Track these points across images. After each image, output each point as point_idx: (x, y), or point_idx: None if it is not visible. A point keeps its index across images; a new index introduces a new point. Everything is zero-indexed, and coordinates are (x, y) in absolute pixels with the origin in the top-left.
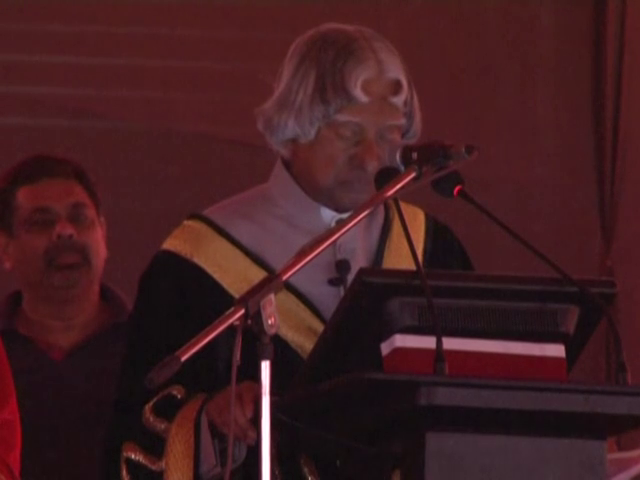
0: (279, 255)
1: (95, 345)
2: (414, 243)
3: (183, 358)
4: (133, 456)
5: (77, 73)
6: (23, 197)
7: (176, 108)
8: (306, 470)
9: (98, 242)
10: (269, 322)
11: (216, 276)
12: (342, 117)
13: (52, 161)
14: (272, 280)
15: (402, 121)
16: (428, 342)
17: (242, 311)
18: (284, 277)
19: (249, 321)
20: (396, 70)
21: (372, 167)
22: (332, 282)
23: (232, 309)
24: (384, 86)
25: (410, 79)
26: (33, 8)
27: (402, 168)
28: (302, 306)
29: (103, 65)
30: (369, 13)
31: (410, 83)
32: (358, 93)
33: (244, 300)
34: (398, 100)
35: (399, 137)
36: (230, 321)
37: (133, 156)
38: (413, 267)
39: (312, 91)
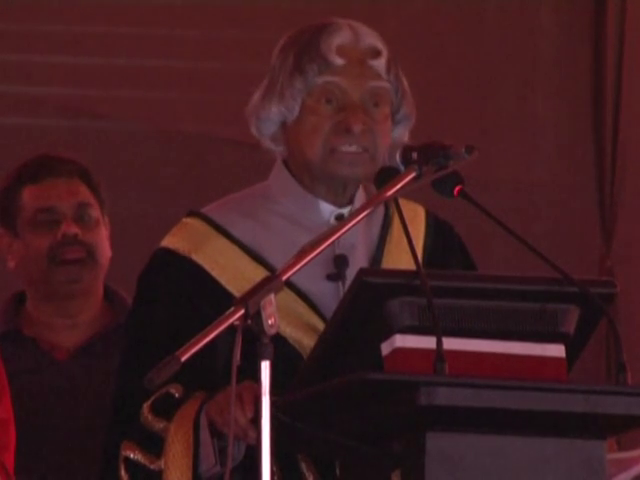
0: (278, 252)
1: (98, 346)
2: (414, 240)
3: (183, 358)
4: (131, 455)
5: (77, 73)
6: (28, 197)
7: (176, 108)
8: (304, 466)
9: (103, 242)
10: (269, 322)
11: (215, 274)
12: (321, 79)
13: (57, 161)
14: (272, 280)
15: (386, 85)
16: (428, 342)
17: (242, 311)
18: (284, 277)
19: (249, 321)
20: (373, 38)
21: (357, 128)
22: (330, 277)
23: (232, 309)
24: (361, 51)
25: (393, 54)
26: (33, 8)
27: (402, 168)
28: (300, 302)
29: (103, 65)
30: (369, 13)
31: (394, 57)
32: (333, 56)
33: (244, 300)
34: (378, 64)
35: (387, 107)
36: (230, 321)
37: (133, 156)
38: (413, 263)
39: (291, 69)
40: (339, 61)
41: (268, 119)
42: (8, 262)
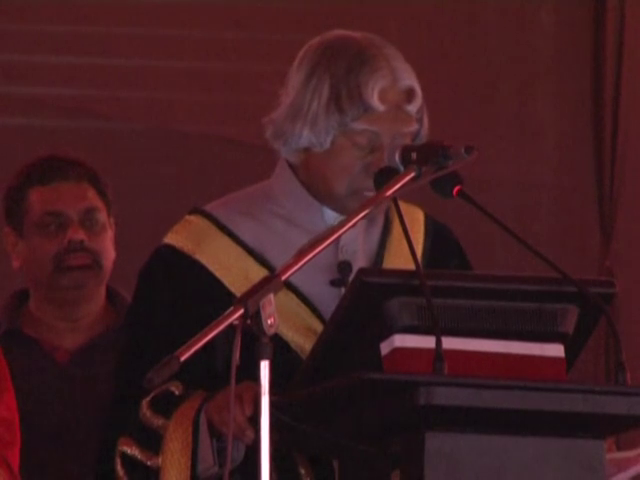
0: (280, 254)
1: (100, 347)
2: (413, 243)
3: (182, 358)
4: (129, 450)
5: (77, 73)
6: (35, 198)
7: (176, 108)
8: (301, 469)
9: (108, 247)
10: (268, 322)
11: (218, 274)
12: (359, 125)
13: (65, 163)
14: (271, 280)
15: (416, 128)
16: (427, 342)
17: (241, 311)
18: (283, 277)
19: (248, 321)
20: (409, 78)
21: None
22: (334, 283)
23: (231, 309)
24: (398, 94)
25: (417, 81)
26: (33, 8)
27: (401, 168)
28: (303, 307)
29: (103, 65)
30: (370, 14)
31: (419, 87)
32: (375, 102)
33: (243, 300)
34: (412, 107)
35: (410, 142)
36: (229, 321)
37: (133, 156)
38: (413, 267)
39: (327, 100)
40: (381, 108)
41: (294, 139)
42: (13, 261)
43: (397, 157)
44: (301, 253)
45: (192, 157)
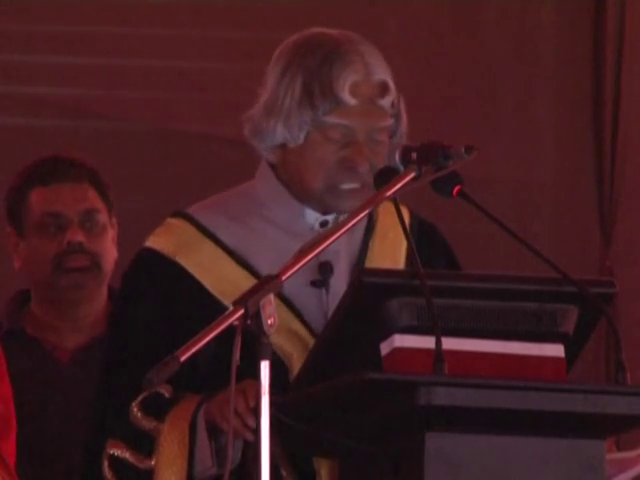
0: (263, 256)
1: (101, 347)
2: (398, 241)
3: (182, 358)
4: (118, 453)
5: (77, 73)
6: (35, 199)
7: (176, 108)
8: (284, 474)
9: (109, 247)
10: (268, 322)
11: (199, 277)
12: (331, 119)
13: (67, 163)
14: (271, 280)
15: (390, 122)
16: (427, 342)
17: (241, 311)
18: (284, 277)
19: (248, 321)
20: (382, 72)
21: (363, 169)
22: (314, 284)
23: (231, 309)
24: (371, 88)
25: (393, 78)
26: (33, 8)
27: (401, 168)
28: (283, 307)
29: (103, 65)
30: (369, 13)
31: (394, 84)
32: (346, 96)
33: (243, 300)
34: (385, 102)
35: (387, 138)
36: (229, 321)
37: (133, 156)
38: (395, 268)
39: (299, 96)
40: (352, 101)
41: (269, 135)
42: (14, 261)
43: (397, 157)
44: (301, 254)
45: (192, 157)
